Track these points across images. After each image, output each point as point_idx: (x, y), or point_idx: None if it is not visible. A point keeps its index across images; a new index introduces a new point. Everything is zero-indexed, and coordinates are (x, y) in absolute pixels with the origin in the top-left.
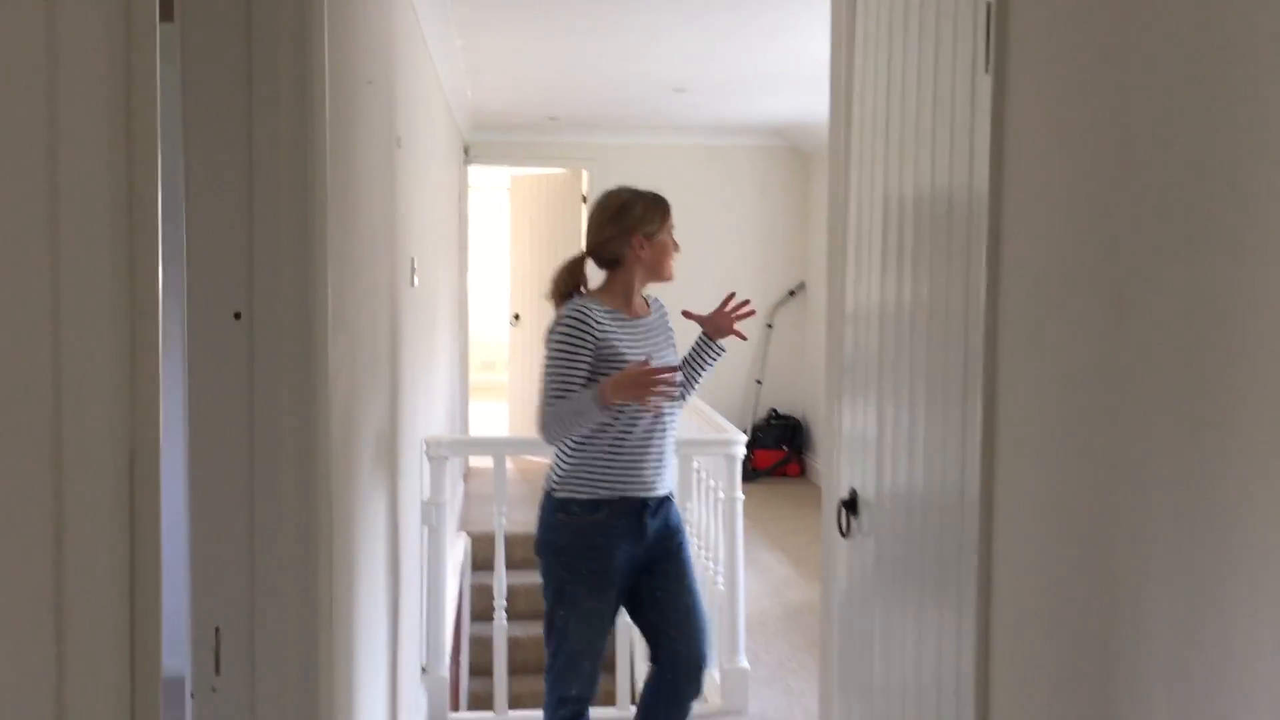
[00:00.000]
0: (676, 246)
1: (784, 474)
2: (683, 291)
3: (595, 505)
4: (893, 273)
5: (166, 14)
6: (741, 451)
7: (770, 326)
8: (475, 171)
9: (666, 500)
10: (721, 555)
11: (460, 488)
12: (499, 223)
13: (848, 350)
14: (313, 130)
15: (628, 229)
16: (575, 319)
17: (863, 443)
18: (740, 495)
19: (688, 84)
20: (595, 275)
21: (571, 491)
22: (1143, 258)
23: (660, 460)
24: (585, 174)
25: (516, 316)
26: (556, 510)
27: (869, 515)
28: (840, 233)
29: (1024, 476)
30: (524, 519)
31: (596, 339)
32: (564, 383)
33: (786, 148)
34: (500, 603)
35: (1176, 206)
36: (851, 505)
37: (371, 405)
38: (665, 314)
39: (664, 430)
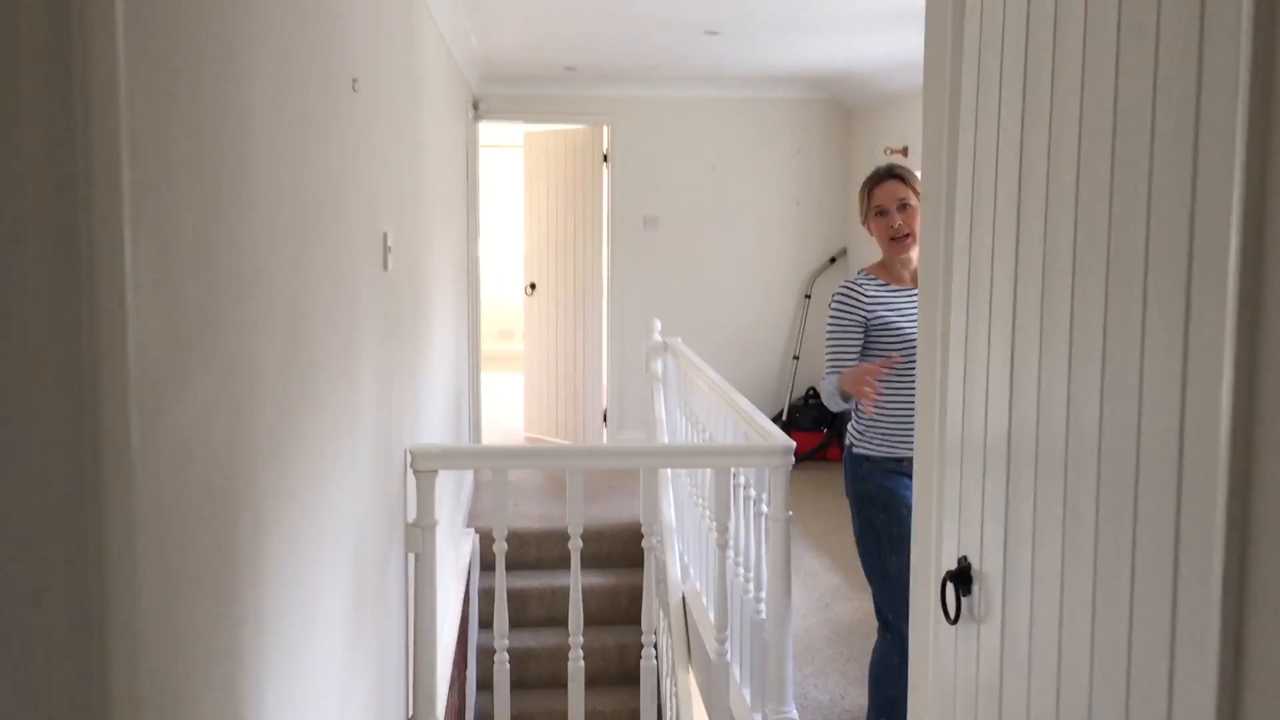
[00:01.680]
0: (885, 212)
1: (824, 458)
2: (713, 258)
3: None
4: (1033, 288)
5: None
6: (790, 462)
7: (808, 297)
8: (487, 129)
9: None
10: (765, 582)
11: (469, 475)
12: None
13: (955, 354)
14: (88, 55)
15: (861, 216)
16: (843, 294)
17: (981, 486)
18: (789, 514)
19: (721, 25)
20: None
21: None
22: None
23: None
24: (606, 130)
25: (532, 286)
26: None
27: (990, 593)
28: (942, 196)
29: None
30: (540, 513)
31: (865, 312)
32: (836, 355)
33: (827, 100)
34: (502, 655)
35: None
36: (962, 579)
37: (303, 427)
38: None
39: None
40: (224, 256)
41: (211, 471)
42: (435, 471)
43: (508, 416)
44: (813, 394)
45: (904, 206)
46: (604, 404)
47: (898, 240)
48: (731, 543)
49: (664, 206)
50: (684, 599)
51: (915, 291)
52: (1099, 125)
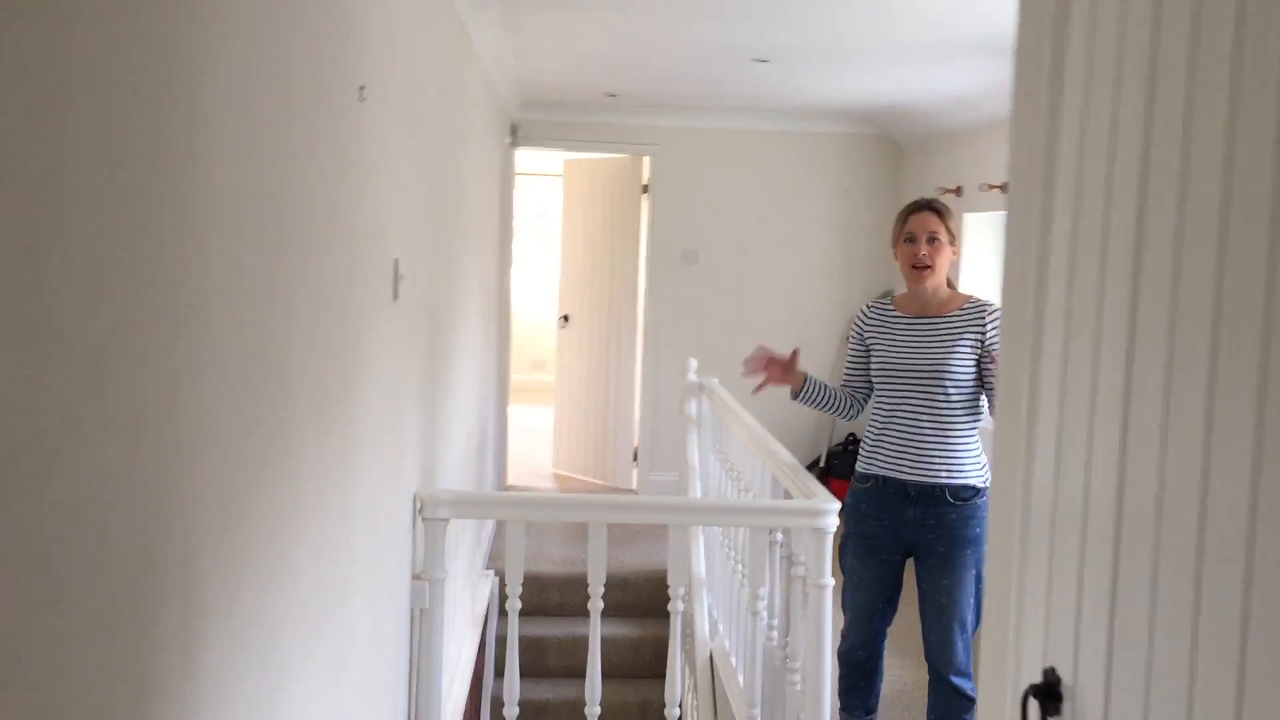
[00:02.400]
0: (913, 240)
1: None
2: (752, 295)
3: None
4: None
5: None
6: (834, 523)
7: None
8: (526, 156)
9: (931, 490)
10: (803, 654)
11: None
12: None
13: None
14: None
15: (891, 241)
16: (854, 317)
17: (1077, 573)
18: (830, 581)
19: (772, 52)
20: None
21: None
22: None
23: (908, 447)
24: (646, 160)
25: (565, 318)
26: None
27: (1086, 715)
28: (1034, 237)
29: None
30: (563, 556)
31: (861, 335)
32: (844, 369)
33: (877, 136)
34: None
35: None
36: (1048, 696)
37: (270, 485)
38: (979, 317)
39: (910, 416)
40: (152, 281)
41: (115, 560)
42: (446, 520)
43: (537, 451)
44: (852, 440)
45: (932, 239)
46: (635, 443)
47: (918, 269)
48: (764, 606)
49: (704, 241)
50: (711, 656)
51: (921, 322)
52: (1256, 158)
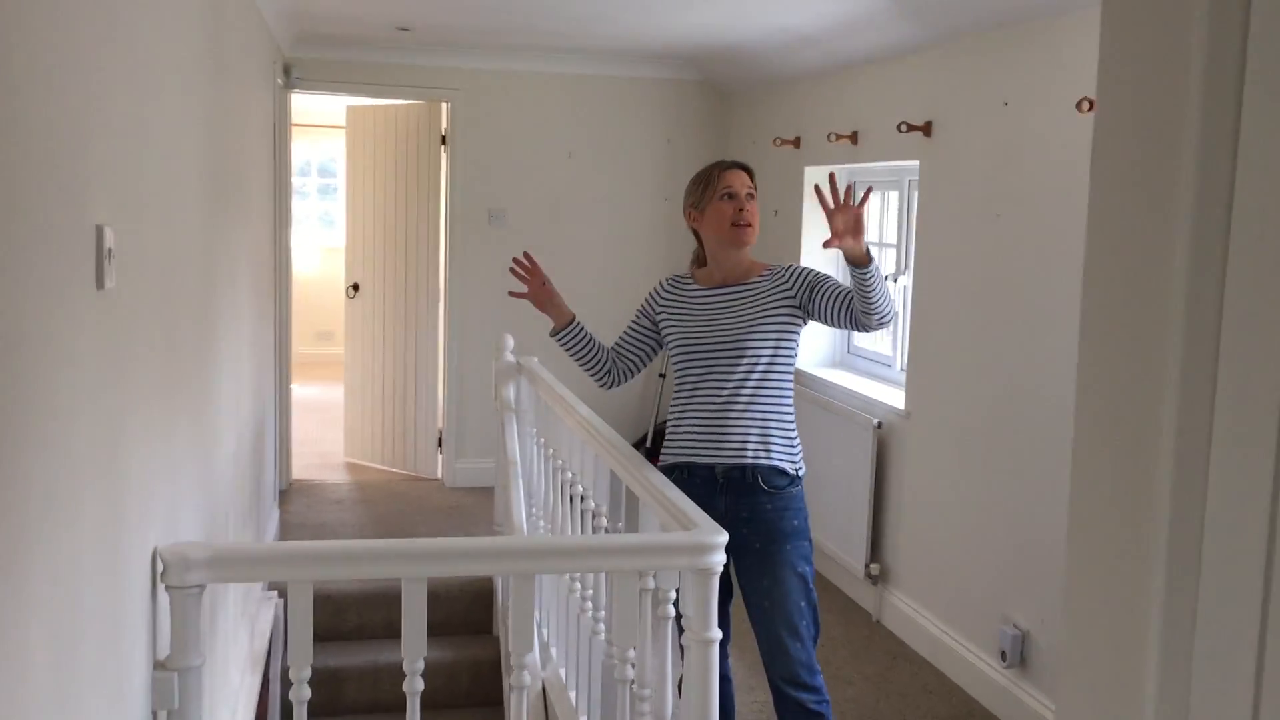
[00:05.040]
0: (735, 196)
1: None
2: (569, 258)
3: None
4: None
5: None
6: (721, 560)
7: None
8: (305, 102)
9: (741, 476)
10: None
11: (273, 519)
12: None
13: None
14: None
15: (684, 209)
16: (652, 288)
17: None
18: (716, 634)
19: None
20: None
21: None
22: None
23: (712, 426)
24: (445, 107)
25: (355, 287)
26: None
27: None
28: (1190, 191)
29: None
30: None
31: (651, 310)
32: (622, 333)
33: (700, 82)
34: None
35: None
36: None
37: None
38: (783, 279)
39: (713, 393)
40: None
41: None
42: (201, 587)
43: (327, 438)
44: None
45: (751, 197)
46: (440, 426)
47: (739, 227)
48: (634, 671)
49: (513, 199)
50: (544, 690)
51: (722, 292)
52: None
